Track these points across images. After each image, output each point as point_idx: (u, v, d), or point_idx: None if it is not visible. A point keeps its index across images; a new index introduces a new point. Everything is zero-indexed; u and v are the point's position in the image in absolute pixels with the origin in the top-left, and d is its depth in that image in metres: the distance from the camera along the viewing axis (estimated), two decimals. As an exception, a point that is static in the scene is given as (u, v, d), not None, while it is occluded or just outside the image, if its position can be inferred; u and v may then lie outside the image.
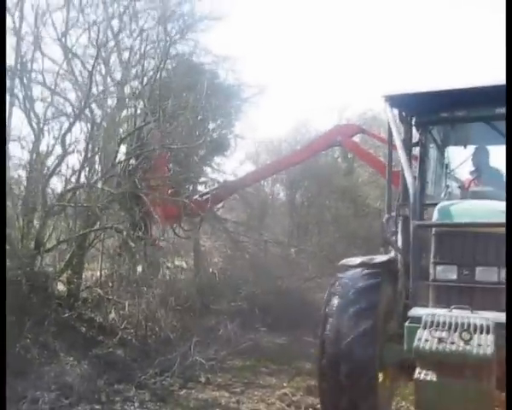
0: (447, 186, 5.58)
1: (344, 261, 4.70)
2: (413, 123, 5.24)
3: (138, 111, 9.73)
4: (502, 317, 3.70)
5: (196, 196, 10.43)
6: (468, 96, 4.71)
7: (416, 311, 3.99)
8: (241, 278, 10.50)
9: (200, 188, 11.52)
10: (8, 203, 7.09)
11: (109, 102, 10.06)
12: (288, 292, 10.19)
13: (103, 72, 10.07)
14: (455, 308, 3.85)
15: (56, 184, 8.52)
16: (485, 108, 4.88)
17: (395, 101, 4.98)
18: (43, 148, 7.99)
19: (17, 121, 8.09)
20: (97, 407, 5.27)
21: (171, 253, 9.38)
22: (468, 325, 3.61)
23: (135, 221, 8.65)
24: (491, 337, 3.51)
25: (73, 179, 8.42)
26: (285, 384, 6.23)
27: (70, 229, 7.95)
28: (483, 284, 4.15)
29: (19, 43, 8.21)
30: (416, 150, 5.30)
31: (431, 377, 3.59)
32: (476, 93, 4.58)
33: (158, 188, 9.19)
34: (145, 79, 10.15)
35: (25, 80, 7.88)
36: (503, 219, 4.05)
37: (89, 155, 8.64)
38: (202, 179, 11.80)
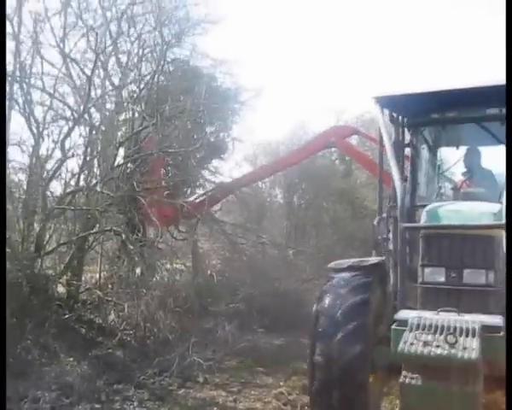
0: (439, 187, 5.62)
1: (333, 264, 4.66)
2: (404, 124, 5.24)
3: (136, 115, 9.85)
4: (489, 320, 3.74)
5: (192, 198, 10.52)
6: (458, 98, 4.71)
7: (402, 313, 3.99)
8: (239, 280, 10.58)
9: (198, 191, 11.62)
10: (9, 206, 7.20)
11: (108, 105, 10.20)
12: (285, 294, 10.27)
13: (102, 76, 10.20)
14: (442, 311, 3.84)
15: (56, 188, 8.62)
16: (476, 110, 4.94)
17: (386, 102, 4.97)
18: (42, 151, 8.10)
19: (17, 126, 8.19)
20: (97, 406, 5.37)
21: (169, 255, 9.47)
22: (454, 328, 3.60)
23: (133, 224, 8.76)
24: (476, 341, 3.51)
25: (73, 183, 8.54)
26: (281, 384, 6.33)
27: (70, 232, 8.03)
28: (471, 287, 4.13)
29: (18, 48, 8.32)
30: (409, 151, 5.29)
31: (416, 380, 3.57)
32: (467, 94, 4.59)
33: (154, 190, 9.29)
34: (142, 83, 10.28)
35: (24, 85, 7.97)
36: (491, 220, 4.15)
37: (88, 159, 8.77)
38: (200, 182, 11.89)
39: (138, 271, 8.80)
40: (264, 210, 14.49)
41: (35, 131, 7.98)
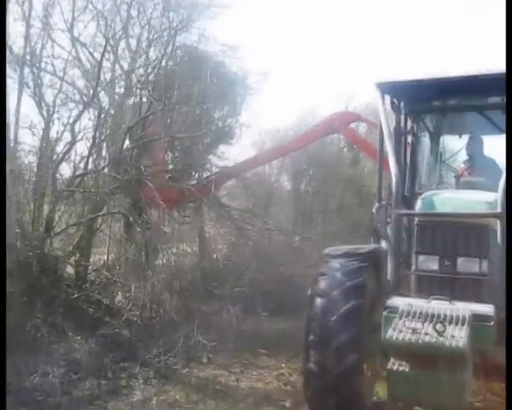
0: (440, 175, 5.60)
1: (329, 250, 4.64)
2: (405, 111, 5.20)
3: (144, 99, 9.95)
4: (479, 308, 3.74)
5: (194, 182, 10.58)
6: (460, 85, 4.69)
7: (394, 301, 4.00)
8: (245, 265, 10.70)
9: (206, 176, 11.72)
10: (19, 188, 7.37)
11: (117, 89, 10.31)
12: (290, 279, 10.37)
13: (111, 60, 10.30)
14: (433, 299, 3.85)
15: (65, 170, 8.78)
16: (478, 98, 4.88)
17: (387, 88, 4.93)
18: (52, 135, 8.23)
19: (28, 109, 8.31)
20: (104, 382, 5.55)
21: (175, 238, 9.61)
22: (444, 316, 3.60)
23: (140, 206, 8.90)
24: (465, 329, 3.50)
25: (82, 165, 8.69)
26: (283, 365, 6.47)
27: (78, 214, 8.19)
28: (464, 275, 4.12)
29: (28, 31, 8.42)
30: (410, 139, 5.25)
31: (404, 367, 3.58)
32: (469, 82, 4.57)
33: (156, 175, 9.38)
34: (150, 68, 10.37)
35: (35, 69, 8.09)
36: (486, 209, 4.14)
37: (96, 142, 8.91)
38: (207, 167, 11.99)
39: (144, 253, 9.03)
40: (271, 196, 14.59)
41: (45, 114, 8.11)
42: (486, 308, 3.78)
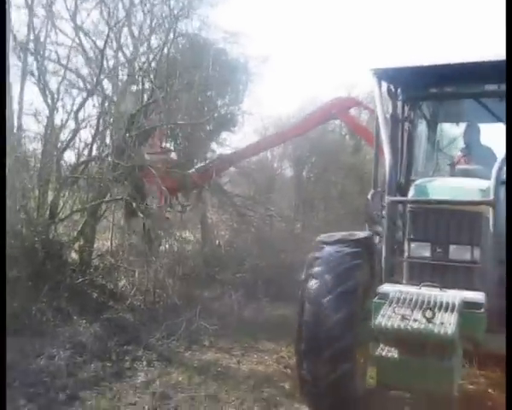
0: (437, 163, 5.54)
1: (322, 237, 4.63)
2: (402, 98, 5.14)
3: (146, 86, 10.01)
4: (470, 295, 3.72)
5: (193, 170, 10.65)
6: (457, 72, 4.64)
7: (385, 287, 3.96)
8: (246, 251, 10.80)
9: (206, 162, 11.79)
10: (25, 175, 7.48)
11: (120, 76, 10.38)
12: (291, 265, 10.46)
13: (114, 47, 10.36)
14: (424, 286, 3.82)
15: (70, 157, 8.89)
16: (475, 85, 4.81)
17: (384, 74, 4.87)
18: (57, 122, 8.33)
19: (32, 96, 8.40)
20: (108, 364, 5.69)
21: (177, 225, 9.72)
22: (434, 303, 3.58)
23: (143, 193, 9.01)
24: (454, 316, 3.48)
25: (86, 152, 8.80)
26: (283, 349, 6.58)
27: (83, 200, 8.30)
28: (456, 263, 4.10)
29: (31, 19, 8.49)
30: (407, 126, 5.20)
31: (392, 353, 3.58)
32: (466, 69, 4.52)
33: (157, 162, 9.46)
34: (151, 55, 10.42)
35: (39, 57, 8.17)
36: (479, 197, 4.11)
37: (100, 129, 9.01)
38: (209, 154, 12.09)
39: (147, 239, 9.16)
40: (273, 183, 14.67)
41: (49, 102, 8.20)
42: (477, 296, 3.76)
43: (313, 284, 4.25)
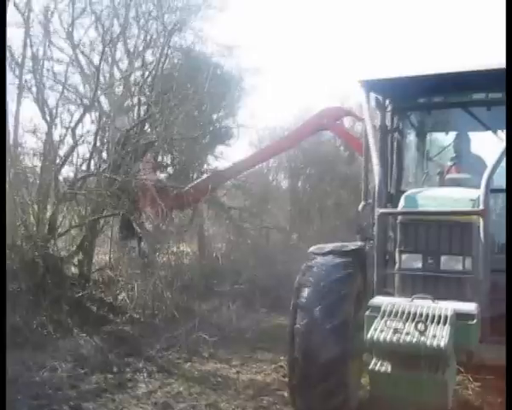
0: (426, 173, 5.52)
1: (313, 248, 4.60)
2: (390, 108, 5.13)
3: (142, 101, 10.15)
4: (462, 307, 3.69)
5: (188, 187, 10.72)
6: (444, 82, 4.62)
7: (376, 300, 3.92)
8: (243, 263, 10.93)
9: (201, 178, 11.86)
10: (24, 190, 7.59)
11: (116, 90, 10.52)
12: (288, 276, 10.53)
13: (109, 61, 10.50)
14: (416, 298, 3.78)
15: (68, 173, 8.99)
16: (462, 94, 4.84)
17: (371, 85, 4.86)
18: (55, 138, 8.43)
19: (31, 113, 8.50)
20: (110, 376, 5.77)
21: (174, 238, 9.82)
22: (426, 315, 3.54)
23: (139, 207, 9.13)
24: (447, 328, 3.45)
25: (84, 167, 8.91)
26: (281, 358, 6.66)
27: (81, 215, 8.39)
28: (448, 273, 4.06)
29: (26, 36, 8.60)
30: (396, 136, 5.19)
31: (385, 367, 3.55)
32: (453, 79, 4.52)
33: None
34: (147, 71, 10.58)
35: (37, 75, 8.29)
36: (469, 207, 4.09)
37: (97, 145, 9.13)
38: (205, 168, 12.21)
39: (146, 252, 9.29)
40: (268, 195, 14.79)
41: (48, 118, 8.32)
42: (469, 306, 3.73)
43: (306, 292, 4.24)
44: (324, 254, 4.48)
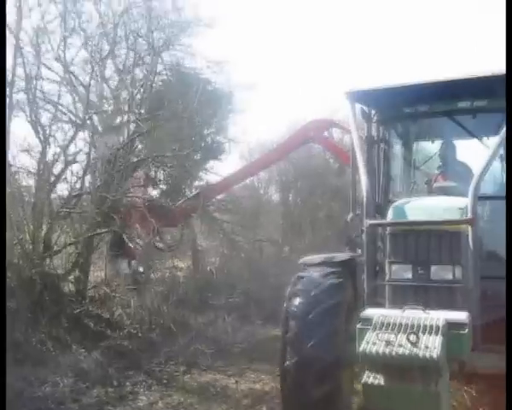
0: (414, 182, 5.51)
1: (304, 260, 4.61)
2: (376, 119, 5.16)
3: (132, 118, 10.27)
4: (453, 316, 3.66)
5: (179, 203, 10.81)
6: (429, 91, 4.63)
7: (368, 312, 3.87)
8: (237, 276, 11.03)
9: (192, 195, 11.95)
10: (20, 209, 7.66)
11: (105, 107, 10.65)
12: (281, 288, 10.63)
13: (99, 80, 10.63)
14: (408, 308, 3.73)
15: (63, 191, 9.07)
16: (448, 103, 4.85)
17: (357, 97, 4.88)
18: (49, 157, 8.52)
19: (25, 132, 8.60)
20: (111, 389, 5.84)
21: (165, 254, 9.93)
22: (418, 326, 3.52)
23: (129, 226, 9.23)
24: (439, 339, 3.41)
25: (78, 185, 8.99)
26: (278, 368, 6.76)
27: (77, 233, 8.46)
28: (438, 283, 4.05)
29: (20, 55, 8.72)
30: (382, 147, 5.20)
31: (379, 380, 3.51)
32: (437, 87, 4.54)
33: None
34: (136, 89, 10.72)
35: (30, 95, 8.41)
36: (457, 216, 4.08)
37: (90, 163, 9.23)
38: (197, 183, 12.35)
39: (141, 269, 9.38)
40: (260, 208, 14.92)
41: (42, 138, 8.42)
42: (461, 316, 3.69)
43: (297, 301, 4.24)
44: (315, 265, 4.48)
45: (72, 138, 9.06)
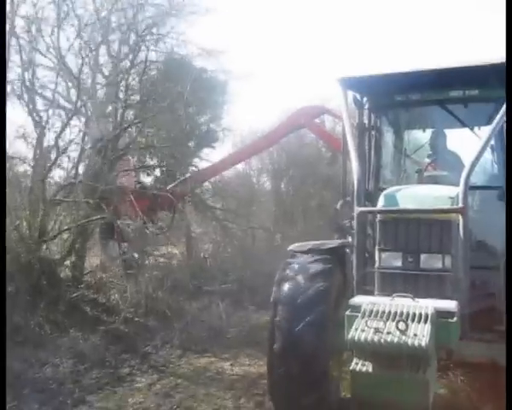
0: (404, 170, 5.53)
1: (293, 247, 4.60)
2: (368, 106, 5.16)
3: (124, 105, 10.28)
4: (442, 305, 3.70)
5: (168, 187, 10.90)
6: (421, 79, 4.63)
7: (357, 299, 3.92)
8: (231, 263, 11.17)
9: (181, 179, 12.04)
10: (17, 195, 7.74)
11: (99, 93, 10.67)
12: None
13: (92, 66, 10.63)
14: (397, 296, 3.75)
15: (59, 177, 9.13)
16: (440, 91, 4.86)
17: (349, 84, 4.88)
18: (45, 144, 8.58)
19: (22, 120, 8.65)
20: (110, 371, 5.99)
21: (156, 239, 10.05)
22: (407, 314, 3.53)
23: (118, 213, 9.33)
24: (428, 327, 3.43)
25: (73, 172, 9.05)
26: (272, 352, 6.92)
27: (72, 219, 8.54)
28: (428, 272, 4.05)
29: (17, 42, 8.75)
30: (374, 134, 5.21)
31: (367, 367, 3.53)
32: (430, 76, 4.53)
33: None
34: (130, 75, 10.74)
35: (27, 83, 8.44)
36: (448, 204, 4.10)
37: (84, 150, 9.29)
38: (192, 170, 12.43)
39: (136, 255, 9.49)
40: (253, 197, 15.03)
41: (38, 124, 8.46)
42: (449, 304, 3.74)
43: (285, 287, 4.26)
44: (303, 252, 4.50)
45: (65, 126, 9.09)
